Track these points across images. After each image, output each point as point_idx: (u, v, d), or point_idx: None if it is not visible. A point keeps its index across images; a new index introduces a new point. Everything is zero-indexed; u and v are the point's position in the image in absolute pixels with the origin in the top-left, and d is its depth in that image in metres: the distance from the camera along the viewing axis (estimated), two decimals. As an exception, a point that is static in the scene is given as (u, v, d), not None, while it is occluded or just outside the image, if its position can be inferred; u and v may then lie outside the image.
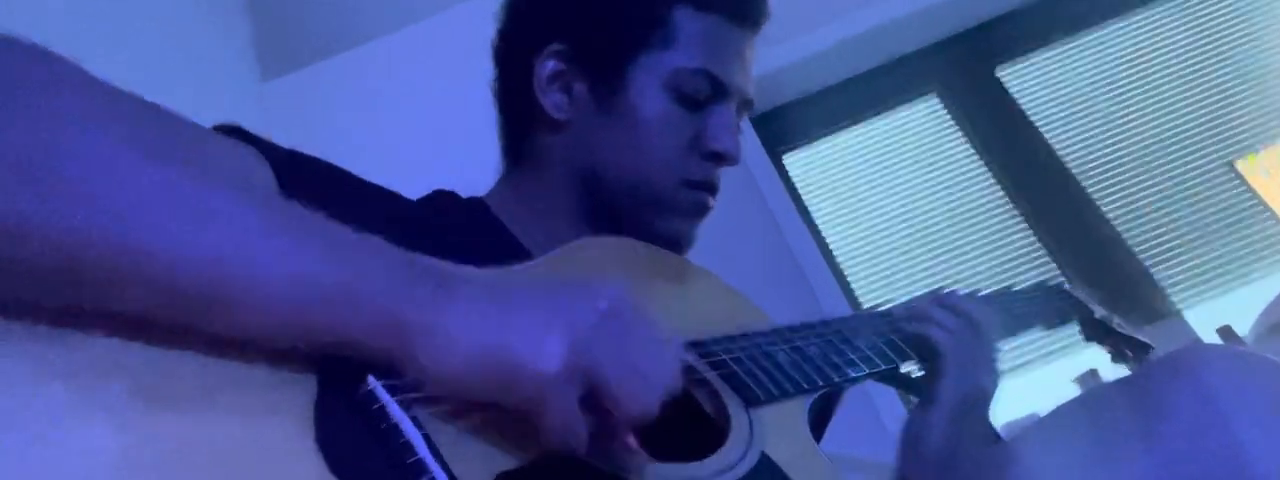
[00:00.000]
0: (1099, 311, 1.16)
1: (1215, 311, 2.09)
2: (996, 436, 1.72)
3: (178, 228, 0.42)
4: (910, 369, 0.90)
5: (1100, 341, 1.18)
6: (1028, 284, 1.18)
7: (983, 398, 0.86)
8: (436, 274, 0.50)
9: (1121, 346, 1.17)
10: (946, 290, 0.97)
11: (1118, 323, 1.16)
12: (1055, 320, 1.09)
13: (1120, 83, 2.43)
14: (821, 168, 2.52)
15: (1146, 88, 2.40)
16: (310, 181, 0.62)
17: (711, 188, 0.88)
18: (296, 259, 0.44)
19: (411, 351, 0.46)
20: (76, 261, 0.40)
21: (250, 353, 0.46)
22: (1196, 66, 2.39)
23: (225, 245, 0.43)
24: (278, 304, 0.44)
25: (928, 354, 0.87)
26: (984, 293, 1.05)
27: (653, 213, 0.85)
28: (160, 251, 0.41)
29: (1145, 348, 1.17)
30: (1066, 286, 1.19)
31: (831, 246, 2.38)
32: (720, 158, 0.86)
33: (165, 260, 0.42)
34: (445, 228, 0.81)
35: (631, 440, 0.54)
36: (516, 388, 0.46)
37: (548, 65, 0.87)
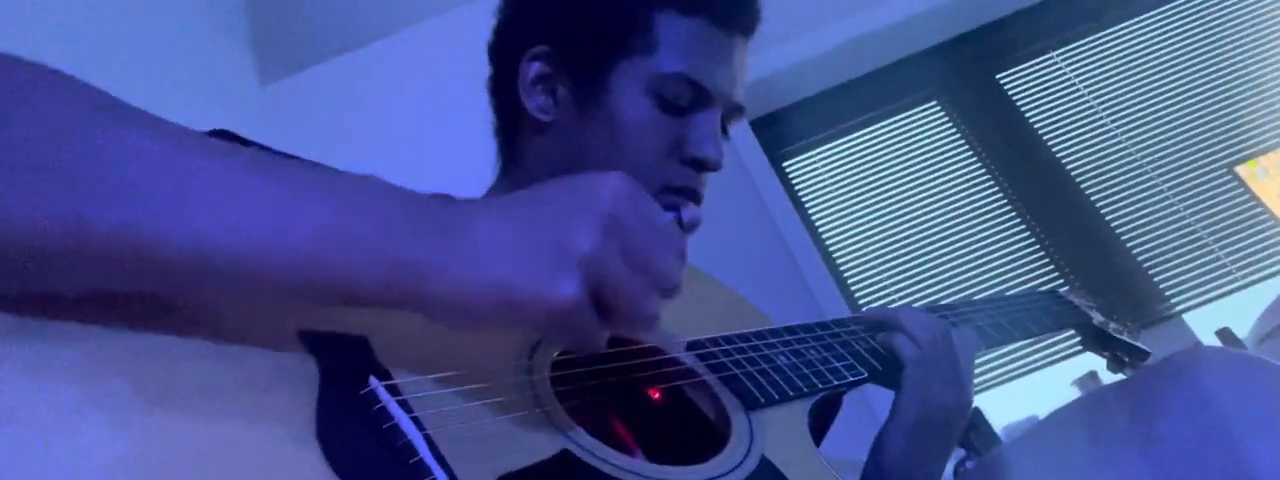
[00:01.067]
0: (1097, 318, 1.15)
1: (1215, 314, 2.09)
2: (996, 439, 1.72)
3: (175, 197, 0.41)
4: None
5: (1098, 349, 1.18)
6: (1026, 290, 1.18)
7: (947, 415, 0.85)
8: (435, 208, 0.49)
9: (1118, 353, 1.17)
10: (920, 305, 0.97)
11: (1114, 329, 1.16)
12: (1052, 326, 1.08)
13: (1121, 87, 2.43)
14: (821, 172, 2.52)
15: (1147, 92, 2.41)
16: None
17: (694, 194, 0.86)
18: (296, 211, 0.44)
19: (424, 291, 0.45)
20: (77, 242, 0.40)
21: (253, 352, 0.46)
22: (1197, 71, 2.40)
23: (225, 207, 0.42)
24: (284, 259, 0.43)
25: (895, 366, 0.86)
26: (981, 298, 1.05)
27: None
28: (161, 223, 0.41)
29: (1142, 355, 1.16)
30: (1064, 293, 1.19)
31: (832, 251, 2.39)
32: (701, 164, 0.85)
33: (168, 230, 0.41)
34: None
35: (629, 441, 0.53)
36: (532, 319, 0.46)
37: (532, 67, 0.86)
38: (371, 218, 0.46)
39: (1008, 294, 1.13)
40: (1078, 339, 1.19)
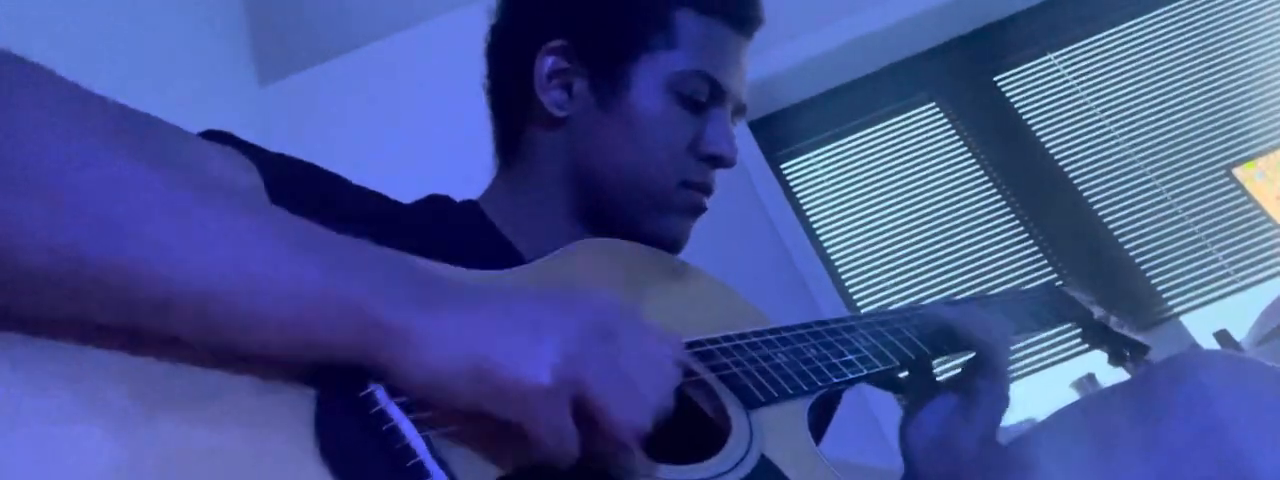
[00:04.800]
0: (1097, 312, 1.15)
1: (1212, 316, 2.09)
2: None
3: (167, 238, 0.41)
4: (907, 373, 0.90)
5: (1098, 343, 1.18)
6: (1025, 286, 1.18)
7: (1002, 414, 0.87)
8: (423, 279, 0.49)
9: (1119, 348, 1.17)
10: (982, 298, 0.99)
11: (1115, 323, 1.16)
12: (1053, 321, 1.08)
13: (1118, 89, 2.44)
14: (820, 174, 2.52)
15: (1144, 94, 2.41)
16: (299, 185, 0.61)
17: (707, 189, 0.89)
18: (286, 270, 0.44)
19: (397, 360, 0.45)
20: (66, 273, 0.40)
21: (250, 355, 0.46)
22: (1195, 73, 2.40)
23: (216, 259, 0.42)
24: (264, 315, 0.43)
25: (955, 351, 0.87)
26: (981, 295, 1.05)
27: (650, 212, 0.86)
28: (149, 262, 0.41)
29: (1143, 349, 1.16)
30: (1064, 287, 1.19)
31: (830, 253, 2.39)
32: (717, 160, 0.87)
33: (154, 271, 0.41)
34: (437, 231, 0.81)
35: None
36: (504, 399, 0.45)
37: (548, 61, 0.86)
38: (357, 282, 0.46)
39: (1009, 291, 1.13)
40: (1077, 333, 1.19)
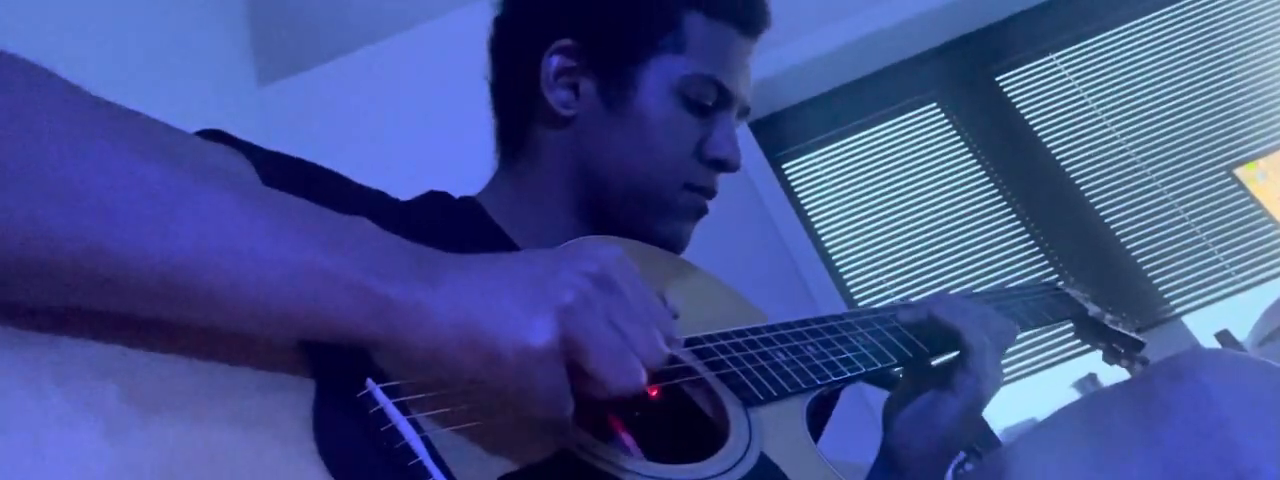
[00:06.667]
0: (1092, 309, 1.15)
1: (1214, 316, 2.09)
2: (996, 441, 1.72)
3: (158, 220, 0.41)
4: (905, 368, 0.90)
5: (1092, 340, 1.18)
6: (1021, 283, 1.17)
7: (984, 402, 0.87)
8: (419, 253, 0.48)
9: (1114, 344, 1.17)
10: (965, 292, 0.98)
11: (1110, 320, 1.16)
12: (1048, 318, 1.08)
13: (1120, 89, 2.43)
14: (821, 174, 2.52)
15: (1146, 94, 2.41)
16: (295, 182, 0.61)
17: (710, 192, 0.89)
18: (279, 244, 0.43)
19: (398, 332, 0.44)
20: (60, 259, 0.40)
21: (248, 357, 0.45)
22: (1196, 73, 2.40)
23: (207, 235, 0.42)
24: (263, 291, 0.42)
25: (953, 348, 0.86)
26: (977, 292, 1.05)
27: (653, 213, 0.86)
28: (142, 245, 0.40)
29: (1137, 345, 1.16)
30: (1060, 284, 1.19)
31: (831, 253, 2.39)
32: (722, 165, 0.87)
33: (148, 254, 0.40)
34: (436, 227, 0.80)
35: (628, 440, 0.53)
36: (502, 362, 0.44)
37: (555, 61, 0.86)
38: (352, 255, 0.45)
39: (1005, 287, 1.12)
40: (1073, 330, 1.19)
